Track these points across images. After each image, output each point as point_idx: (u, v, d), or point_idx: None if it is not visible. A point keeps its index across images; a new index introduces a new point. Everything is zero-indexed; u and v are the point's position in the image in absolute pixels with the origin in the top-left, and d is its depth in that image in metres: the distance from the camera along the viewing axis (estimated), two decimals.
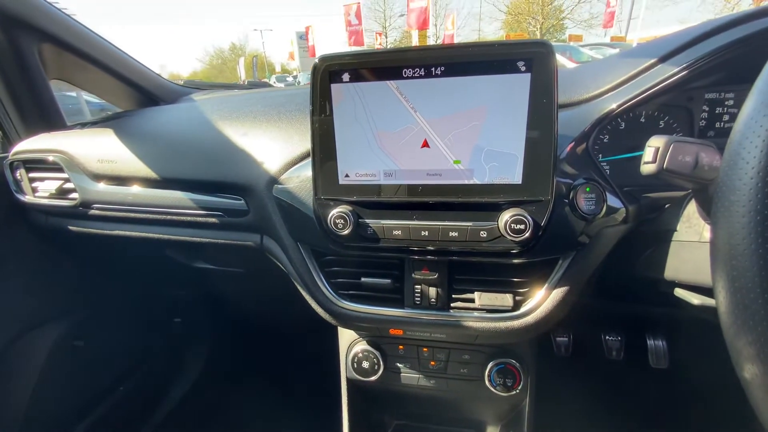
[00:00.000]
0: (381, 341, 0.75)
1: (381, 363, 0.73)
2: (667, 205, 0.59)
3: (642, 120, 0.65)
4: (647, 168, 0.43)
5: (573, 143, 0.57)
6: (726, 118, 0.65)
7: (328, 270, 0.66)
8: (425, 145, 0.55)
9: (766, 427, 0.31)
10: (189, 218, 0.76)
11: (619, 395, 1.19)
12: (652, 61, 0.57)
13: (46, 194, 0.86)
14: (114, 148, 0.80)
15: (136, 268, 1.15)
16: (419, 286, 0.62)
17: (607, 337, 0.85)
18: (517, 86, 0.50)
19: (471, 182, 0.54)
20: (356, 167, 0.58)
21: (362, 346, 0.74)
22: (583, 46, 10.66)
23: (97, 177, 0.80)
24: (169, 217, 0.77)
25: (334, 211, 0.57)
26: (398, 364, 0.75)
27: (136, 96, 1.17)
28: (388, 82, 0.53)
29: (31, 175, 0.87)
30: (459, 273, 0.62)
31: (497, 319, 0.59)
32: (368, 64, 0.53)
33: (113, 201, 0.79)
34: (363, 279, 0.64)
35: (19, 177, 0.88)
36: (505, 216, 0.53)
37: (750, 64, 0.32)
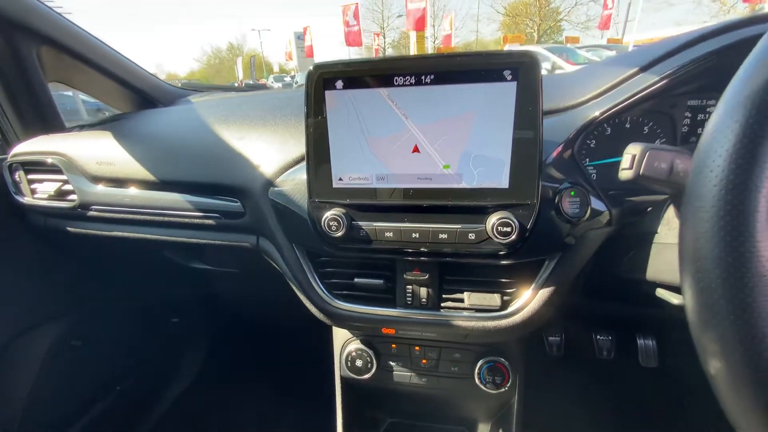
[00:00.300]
0: (374, 340, 0.77)
1: (374, 361, 0.75)
2: (649, 209, 0.61)
3: (627, 126, 0.67)
4: (624, 174, 0.45)
5: (559, 148, 0.59)
6: None
7: (322, 270, 0.68)
8: (416, 150, 0.57)
9: (730, 419, 0.33)
10: (186, 220, 0.77)
11: (610, 393, 1.21)
12: (634, 70, 0.59)
13: (45, 196, 0.87)
14: (112, 150, 0.82)
15: (134, 269, 1.16)
16: (411, 287, 0.64)
17: (598, 337, 0.87)
18: (503, 94, 0.52)
19: (460, 186, 0.56)
20: (349, 171, 0.59)
21: (356, 345, 0.76)
22: (579, 47, 10.73)
23: (96, 179, 0.82)
24: (166, 218, 0.78)
25: (328, 214, 0.59)
26: (391, 363, 0.77)
27: (134, 98, 1.18)
28: (379, 89, 0.55)
29: (30, 176, 0.89)
30: (449, 274, 0.64)
31: (485, 319, 0.61)
32: (360, 73, 0.55)
33: (111, 202, 0.81)
34: (356, 279, 0.66)
35: (18, 179, 0.89)
36: (493, 219, 0.55)
37: (728, 73, 0.34)
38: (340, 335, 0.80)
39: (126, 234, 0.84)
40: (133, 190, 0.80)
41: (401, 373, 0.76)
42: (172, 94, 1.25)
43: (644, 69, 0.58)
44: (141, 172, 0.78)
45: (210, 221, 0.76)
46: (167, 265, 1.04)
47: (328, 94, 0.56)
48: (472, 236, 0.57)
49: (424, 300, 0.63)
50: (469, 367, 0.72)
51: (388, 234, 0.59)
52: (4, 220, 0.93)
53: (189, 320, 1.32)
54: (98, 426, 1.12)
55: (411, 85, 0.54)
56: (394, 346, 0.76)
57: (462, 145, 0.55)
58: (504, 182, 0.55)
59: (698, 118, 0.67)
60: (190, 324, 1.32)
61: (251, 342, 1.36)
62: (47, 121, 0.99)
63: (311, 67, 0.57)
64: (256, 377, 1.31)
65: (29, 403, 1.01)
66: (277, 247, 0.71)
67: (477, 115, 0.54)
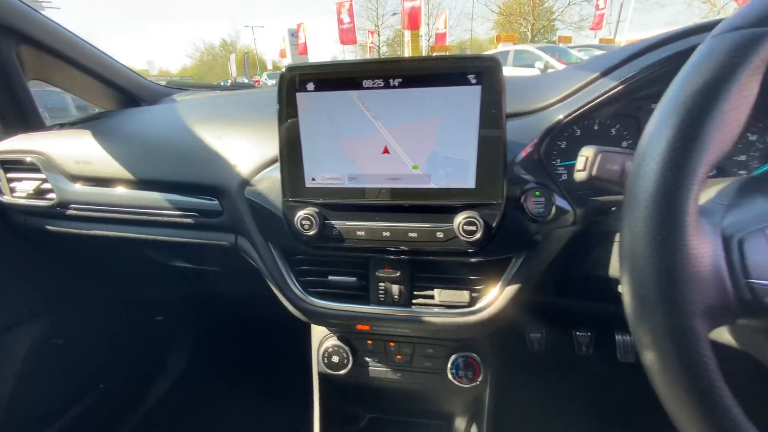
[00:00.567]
0: (351, 337, 0.78)
1: (350, 357, 0.76)
2: (613, 208, 0.63)
3: (596, 128, 0.69)
4: (578, 175, 0.47)
5: (525, 150, 0.61)
6: None
7: (297, 269, 0.69)
8: (386, 151, 0.58)
9: (663, 403, 0.35)
10: (164, 218, 0.78)
11: (590, 388, 1.24)
12: (596, 75, 0.61)
13: (24, 194, 0.87)
14: (90, 149, 0.82)
15: (116, 267, 1.16)
16: (383, 284, 0.65)
17: (577, 333, 0.89)
18: (468, 97, 0.54)
19: (428, 186, 0.58)
20: (322, 171, 0.61)
21: (333, 341, 0.78)
22: (572, 47, 10.81)
23: (74, 178, 0.82)
24: (145, 217, 0.79)
25: (301, 213, 0.60)
26: (367, 359, 0.78)
27: (117, 96, 1.18)
28: (350, 92, 0.56)
29: (9, 175, 0.89)
30: (420, 271, 0.65)
31: (454, 315, 0.63)
32: (331, 75, 0.56)
33: (90, 201, 0.81)
34: (330, 277, 0.67)
35: None
36: (459, 218, 0.57)
37: None
38: (317, 332, 0.81)
39: (105, 233, 0.84)
40: (111, 189, 0.80)
41: (377, 369, 0.78)
42: (157, 93, 1.25)
43: (605, 74, 0.60)
44: (119, 171, 0.78)
45: (188, 220, 0.77)
46: (149, 264, 1.04)
47: (300, 96, 0.58)
48: (440, 235, 0.59)
49: (396, 297, 0.65)
50: (442, 362, 0.74)
51: (359, 233, 0.61)
52: None
53: (173, 318, 1.32)
54: (81, 424, 1.12)
55: (380, 88, 0.55)
56: (370, 342, 0.78)
57: (430, 147, 0.57)
58: (470, 182, 0.57)
59: None
60: (174, 322, 1.33)
61: (234, 339, 1.37)
62: (27, 119, 0.98)
63: (284, 69, 0.58)
64: (239, 374, 1.32)
65: (11, 401, 1.01)
66: (253, 245, 0.72)
67: (444, 118, 0.55)
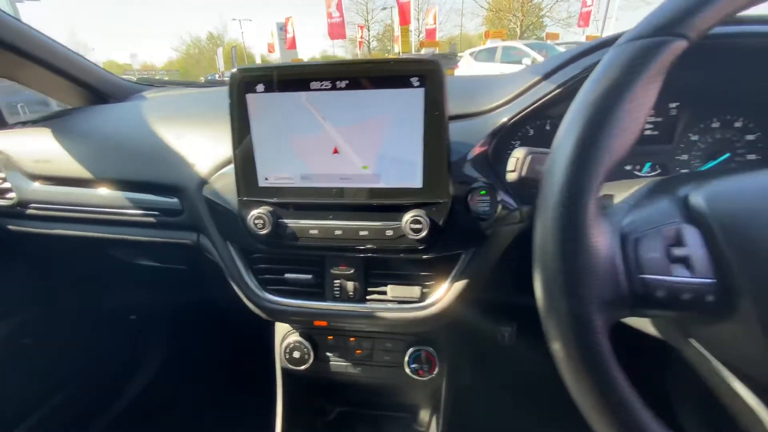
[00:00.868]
0: (312, 332, 0.80)
1: (311, 353, 0.78)
2: None
3: (548, 128, 0.72)
4: (510, 176, 0.49)
5: (473, 150, 0.63)
6: None
7: (255, 267, 0.70)
8: (336, 151, 0.60)
9: (570, 390, 0.37)
10: (125, 218, 0.78)
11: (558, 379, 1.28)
12: (537, 78, 0.63)
13: None
14: (50, 147, 0.82)
15: (84, 267, 1.15)
16: (338, 281, 0.67)
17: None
18: (412, 99, 0.55)
19: (378, 186, 0.60)
20: (275, 171, 0.62)
21: (295, 337, 0.79)
22: (558, 44, 10.93)
23: (34, 177, 0.82)
24: (106, 216, 0.79)
25: (254, 212, 0.62)
26: (328, 354, 0.80)
27: (85, 94, 1.16)
28: (298, 93, 0.57)
29: None
30: (374, 268, 0.67)
31: (406, 310, 0.65)
32: (279, 77, 0.57)
33: (50, 200, 0.81)
34: (287, 275, 0.68)
35: None
36: (407, 216, 0.59)
37: None
38: (281, 328, 0.83)
39: (67, 232, 0.84)
40: (71, 188, 0.80)
41: (338, 363, 0.80)
42: (126, 90, 1.24)
43: (545, 77, 0.63)
44: (78, 169, 0.78)
45: (149, 219, 0.78)
46: (118, 263, 1.04)
47: (250, 98, 0.58)
48: (389, 233, 0.60)
49: (350, 293, 0.67)
50: (400, 356, 0.76)
51: (312, 231, 0.62)
52: None
53: (147, 317, 1.32)
54: (50, 424, 1.12)
55: (327, 89, 0.57)
56: (330, 337, 0.80)
57: (378, 147, 0.58)
58: (418, 182, 0.59)
59: None
60: (147, 321, 1.33)
61: (205, 337, 1.38)
62: None
63: (234, 70, 0.59)
64: (206, 372, 1.32)
65: None
66: (213, 243, 0.73)
67: (390, 119, 0.57)
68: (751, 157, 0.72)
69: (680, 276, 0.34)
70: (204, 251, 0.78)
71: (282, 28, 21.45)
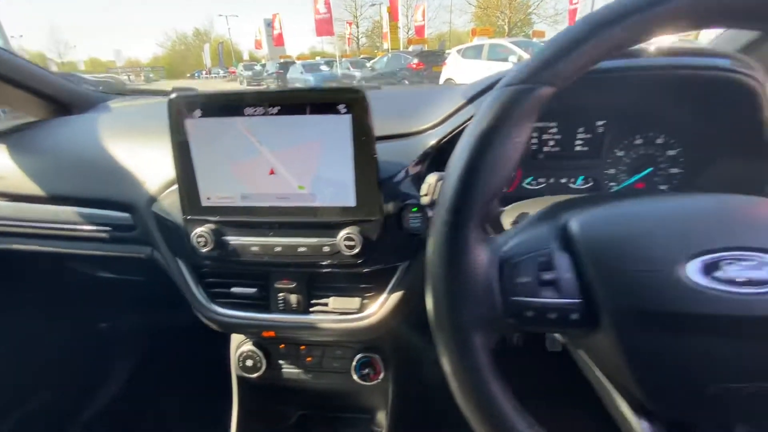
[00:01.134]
0: (264, 341, 0.83)
1: (263, 361, 0.81)
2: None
3: None
4: (423, 200, 0.53)
5: (405, 170, 0.66)
6: (552, 143, 0.77)
7: (204, 281, 0.73)
8: (272, 172, 0.62)
9: (455, 399, 0.40)
10: (79, 233, 0.80)
11: (522, 376, 1.33)
12: (462, 102, 0.67)
13: None
14: (4, 164, 0.83)
15: (49, 279, 1.16)
16: (282, 294, 0.70)
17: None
18: (340, 125, 0.58)
19: (314, 205, 0.63)
20: (216, 191, 0.65)
21: (248, 346, 0.82)
22: (544, 42, 11.00)
23: None
24: (60, 232, 0.81)
25: (197, 230, 0.64)
26: (280, 362, 0.84)
27: (45, 105, 1.17)
28: (233, 118, 0.60)
29: None
30: (316, 281, 0.70)
31: (346, 321, 0.69)
32: (214, 104, 0.60)
33: (3, 216, 0.82)
34: (233, 288, 0.71)
35: None
36: (341, 233, 0.62)
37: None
38: (235, 337, 0.86)
39: (23, 247, 0.85)
40: (25, 205, 0.81)
41: (289, 371, 0.84)
42: (90, 100, 1.24)
43: (470, 101, 0.66)
44: (31, 186, 0.80)
45: (102, 234, 0.79)
46: (81, 275, 1.05)
47: (188, 122, 0.61)
48: (326, 249, 0.64)
49: (294, 305, 0.70)
50: (348, 363, 0.80)
51: (254, 248, 0.65)
52: None
53: (113, 328, 1.34)
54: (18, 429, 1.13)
55: (261, 115, 0.60)
56: (282, 346, 0.83)
57: (313, 169, 0.62)
58: (351, 201, 0.62)
59: (543, 138, 0.76)
60: (114, 331, 1.34)
61: (169, 346, 1.40)
62: None
63: (172, 96, 0.61)
64: (175, 380, 1.35)
65: None
66: (164, 258, 0.75)
67: (321, 143, 0.60)
68: (674, 170, 0.77)
69: (547, 297, 0.38)
70: (158, 264, 0.80)
71: (269, 24, 21.24)
